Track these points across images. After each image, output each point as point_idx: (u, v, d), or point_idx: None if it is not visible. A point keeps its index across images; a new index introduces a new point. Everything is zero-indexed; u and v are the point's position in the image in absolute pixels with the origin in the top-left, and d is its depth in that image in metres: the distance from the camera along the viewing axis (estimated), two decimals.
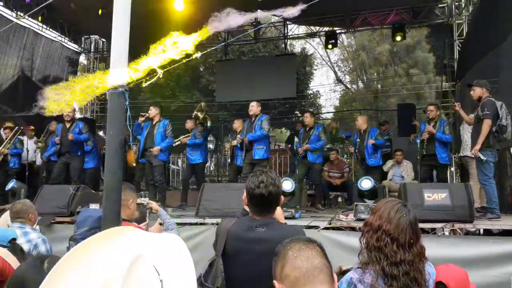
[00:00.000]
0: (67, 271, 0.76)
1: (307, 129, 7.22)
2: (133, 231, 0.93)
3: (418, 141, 6.56)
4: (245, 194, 2.13)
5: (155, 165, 6.81)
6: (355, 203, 5.10)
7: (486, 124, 4.94)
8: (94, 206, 2.73)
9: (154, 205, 3.13)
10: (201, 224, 4.86)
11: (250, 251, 1.99)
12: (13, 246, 2.96)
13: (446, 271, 1.95)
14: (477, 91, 5.25)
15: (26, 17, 9.77)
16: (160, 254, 0.88)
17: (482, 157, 4.91)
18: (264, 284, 2.02)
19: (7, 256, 2.18)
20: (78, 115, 15.23)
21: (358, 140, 7.42)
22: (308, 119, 7.26)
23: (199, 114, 8.02)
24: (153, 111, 6.88)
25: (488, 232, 4.95)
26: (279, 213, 2.23)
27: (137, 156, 7.38)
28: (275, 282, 1.24)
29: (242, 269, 2.03)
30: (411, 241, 1.73)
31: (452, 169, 9.76)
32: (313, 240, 1.29)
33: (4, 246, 2.88)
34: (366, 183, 5.84)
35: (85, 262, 0.77)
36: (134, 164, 8.56)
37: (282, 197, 2.20)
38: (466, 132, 6.32)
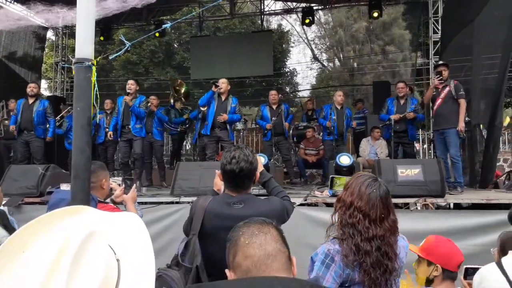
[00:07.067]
0: (15, 255, 0.70)
1: (275, 107, 7.49)
2: (86, 209, 0.88)
3: (388, 118, 6.67)
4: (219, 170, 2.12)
5: (135, 139, 6.59)
6: (331, 176, 5.06)
7: (464, 104, 5.42)
8: (65, 186, 2.62)
9: (118, 192, 2.78)
10: (176, 203, 4.81)
11: (229, 228, 1.98)
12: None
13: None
14: (448, 72, 5.66)
15: None
16: (116, 233, 0.83)
17: (464, 134, 5.26)
18: None
19: None
20: (48, 93, 14.75)
21: (334, 117, 7.37)
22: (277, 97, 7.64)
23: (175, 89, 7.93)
24: (134, 86, 6.66)
25: (457, 206, 5.11)
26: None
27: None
28: (227, 270, 1.16)
29: (221, 246, 2.01)
30: (382, 215, 1.74)
31: (425, 146, 9.96)
32: (268, 222, 1.18)
33: None
34: (345, 159, 5.60)
35: (33, 245, 0.72)
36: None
37: (258, 174, 2.17)
38: None
